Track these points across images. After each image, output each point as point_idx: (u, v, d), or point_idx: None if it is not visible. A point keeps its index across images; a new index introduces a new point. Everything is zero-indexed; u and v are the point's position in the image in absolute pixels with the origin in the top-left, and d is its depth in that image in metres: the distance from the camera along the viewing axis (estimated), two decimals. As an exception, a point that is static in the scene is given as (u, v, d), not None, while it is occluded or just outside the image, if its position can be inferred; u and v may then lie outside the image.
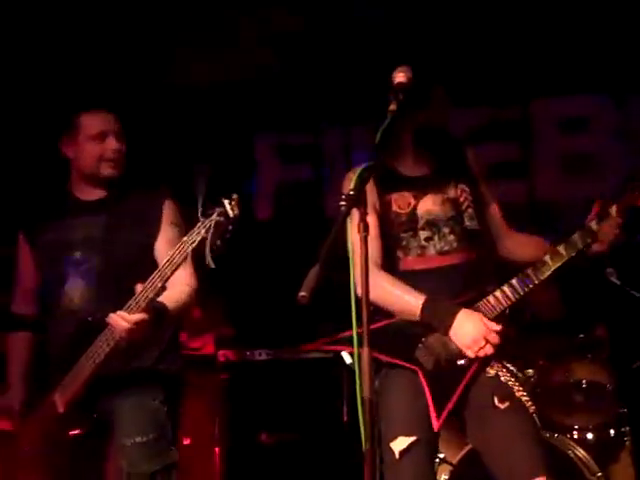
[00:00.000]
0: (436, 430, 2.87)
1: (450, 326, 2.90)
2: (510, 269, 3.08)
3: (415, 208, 3.06)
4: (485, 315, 2.93)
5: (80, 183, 3.37)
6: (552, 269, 2.93)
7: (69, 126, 3.35)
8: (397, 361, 2.95)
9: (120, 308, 2.97)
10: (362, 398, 2.31)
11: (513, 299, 2.95)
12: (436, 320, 2.92)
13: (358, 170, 2.48)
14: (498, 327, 2.90)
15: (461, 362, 2.92)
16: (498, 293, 2.96)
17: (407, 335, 2.96)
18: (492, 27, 5.27)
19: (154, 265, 3.04)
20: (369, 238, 2.88)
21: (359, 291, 2.86)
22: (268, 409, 5.08)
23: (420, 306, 2.93)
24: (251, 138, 5.96)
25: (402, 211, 3.05)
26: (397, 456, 2.86)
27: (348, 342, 2.98)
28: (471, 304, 2.96)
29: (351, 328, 2.87)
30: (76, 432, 3.12)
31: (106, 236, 3.26)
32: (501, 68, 5.31)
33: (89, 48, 5.52)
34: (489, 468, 2.92)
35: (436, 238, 3.03)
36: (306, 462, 4.96)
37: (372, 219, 2.97)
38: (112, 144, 3.30)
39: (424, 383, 2.90)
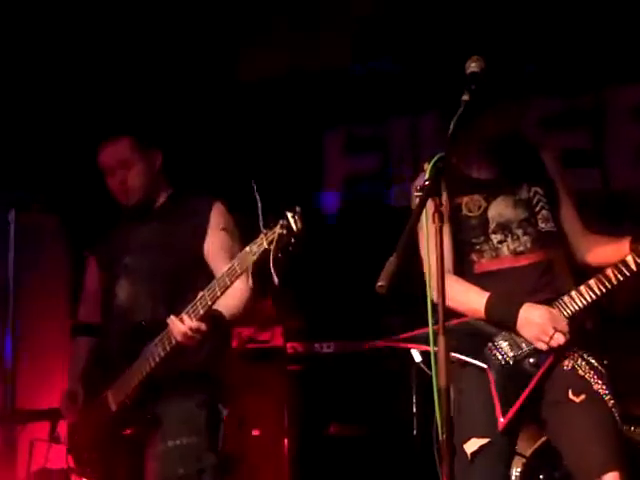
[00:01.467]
0: (501, 429, 2.83)
1: (516, 319, 2.87)
2: (589, 270, 3.03)
3: (486, 211, 3.02)
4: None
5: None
6: (634, 269, 2.86)
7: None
8: (467, 359, 2.93)
9: (171, 311, 3.01)
10: (438, 388, 2.29)
11: (589, 300, 2.89)
12: (501, 315, 2.90)
13: (432, 160, 2.44)
14: (556, 312, 2.87)
15: (532, 361, 2.88)
16: (574, 293, 2.91)
17: (478, 334, 2.95)
18: (565, 15, 5.15)
19: (204, 269, 3.11)
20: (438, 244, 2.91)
21: (433, 282, 2.87)
22: (336, 401, 5.07)
23: (484, 303, 2.91)
24: (320, 133, 5.93)
25: (472, 214, 3.03)
26: (469, 458, 2.84)
27: (420, 340, 3.05)
28: (546, 304, 2.91)
29: (420, 326, 2.91)
30: (128, 432, 3.19)
31: (155, 242, 3.32)
32: (574, 56, 5.19)
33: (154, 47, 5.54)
34: (564, 461, 2.90)
35: (509, 239, 3.00)
36: (374, 454, 4.93)
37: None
38: (117, 179, 3.37)
39: (492, 382, 2.87)
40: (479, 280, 2.99)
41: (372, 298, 5.29)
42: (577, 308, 2.89)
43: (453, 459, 2.30)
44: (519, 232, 3.00)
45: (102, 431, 3.24)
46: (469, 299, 2.96)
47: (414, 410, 4.84)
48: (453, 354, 2.88)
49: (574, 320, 2.88)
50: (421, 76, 5.38)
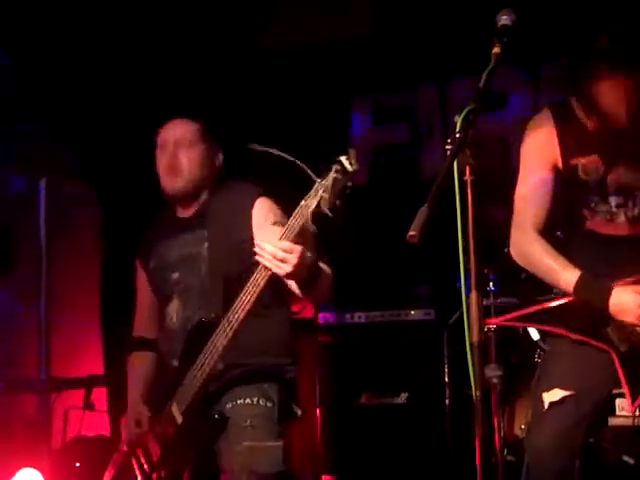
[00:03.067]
0: (631, 412, 2.78)
1: (608, 307, 2.76)
2: None
3: (605, 176, 2.86)
4: None
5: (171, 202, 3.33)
6: None
7: (154, 147, 3.32)
8: (588, 340, 2.81)
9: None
10: (471, 344, 2.25)
11: None
12: (592, 297, 2.79)
13: (463, 112, 2.36)
14: None
15: None
16: None
17: (595, 312, 2.80)
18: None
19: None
20: (534, 196, 2.90)
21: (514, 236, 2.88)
22: (368, 372, 5.06)
23: (574, 282, 2.79)
24: (347, 101, 5.90)
25: (589, 178, 2.87)
26: (546, 406, 2.80)
27: (532, 318, 2.96)
28: None
29: (531, 305, 2.89)
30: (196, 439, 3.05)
31: (201, 252, 3.18)
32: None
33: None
34: None
35: (630, 204, 2.87)
36: (406, 424, 4.93)
37: (545, 179, 2.90)
38: (168, 151, 3.23)
39: (617, 364, 2.76)
40: (587, 239, 2.90)
41: (402, 268, 5.34)
42: None
43: (486, 418, 2.29)
44: None
45: (169, 447, 3.09)
46: (556, 272, 2.84)
47: (446, 379, 4.85)
48: (573, 334, 2.84)
49: None
50: (450, 42, 5.36)
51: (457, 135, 2.30)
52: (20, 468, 3.53)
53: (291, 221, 2.73)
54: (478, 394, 2.24)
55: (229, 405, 3.03)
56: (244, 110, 5.66)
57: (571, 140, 2.88)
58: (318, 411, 5.04)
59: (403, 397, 4.98)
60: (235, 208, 3.17)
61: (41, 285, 3.72)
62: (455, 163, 2.29)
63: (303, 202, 2.70)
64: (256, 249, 2.75)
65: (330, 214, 2.63)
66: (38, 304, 3.75)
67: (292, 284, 2.92)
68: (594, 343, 2.80)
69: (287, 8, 5.79)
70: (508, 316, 2.98)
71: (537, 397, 2.83)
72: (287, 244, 2.69)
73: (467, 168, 2.29)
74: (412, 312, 5.12)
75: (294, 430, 4.62)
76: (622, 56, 2.73)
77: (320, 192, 2.64)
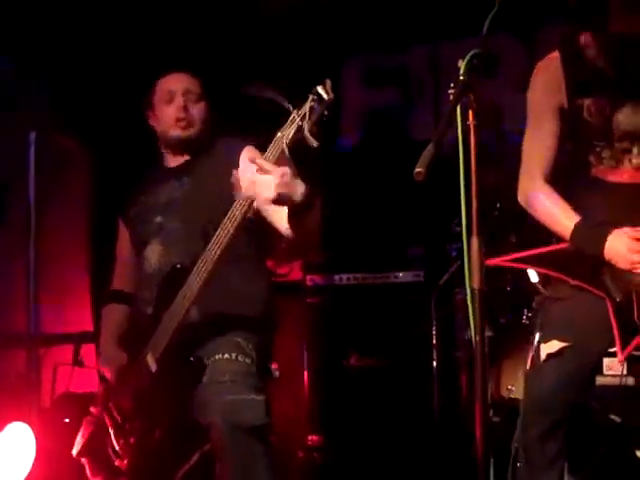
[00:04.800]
0: (620, 362, 2.76)
1: (602, 251, 2.75)
2: None
3: (611, 118, 2.83)
4: None
5: (165, 151, 3.35)
6: None
7: (151, 95, 3.35)
8: (585, 285, 2.81)
9: None
10: (471, 289, 2.25)
11: None
12: (589, 243, 2.79)
13: (467, 56, 2.34)
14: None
15: None
16: None
17: (593, 259, 2.79)
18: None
19: None
20: (542, 144, 2.89)
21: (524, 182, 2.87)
22: (356, 333, 5.09)
23: (571, 229, 2.81)
24: (339, 65, 5.87)
25: (595, 120, 2.84)
26: (543, 358, 2.80)
27: (534, 261, 2.96)
28: None
29: (534, 247, 2.87)
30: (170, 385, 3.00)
31: (187, 197, 3.19)
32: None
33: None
34: None
35: (635, 151, 2.84)
36: (394, 385, 4.96)
37: (552, 124, 2.89)
38: (178, 103, 3.25)
39: (611, 312, 2.75)
40: (592, 186, 2.88)
41: (393, 230, 5.34)
42: None
43: (486, 364, 2.28)
44: None
45: (143, 397, 3.06)
46: (556, 219, 2.85)
47: (433, 342, 4.87)
48: (571, 279, 2.83)
49: None
50: (442, 4, 5.33)
51: (461, 78, 2.29)
52: (9, 422, 3.53)
53: (267, 152, 2.67)
54: (478, 339, 2.24)
55: (207, 361, 3.00)
56: (235, 72, 5.63)
57: (578, 79, 2.85)
58: (306, 373, 5.06)
59: (391, 358, 5.01)
60: (223, 157, 3.16)
61: (30, 241, 3.70)
62: (458, 107, 2.27)
63: (279, 133, 2.66)
64: (234, 175, 2.66)
65: (311, 141, 2.56)
66: (27, 260, 3.72)
67: (279, 217, 2.83)
68: (591, 289, 2.80)
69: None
70: (508, 257, 2.97)
71: (537, 348, 2.84)
72: (267, 163, 2.59)
73: (470, 112, 2.28)
74: (401, 274, 5.13)
75: (281, 391, 4.68)
76: None
77: (297, 121, 2.60)
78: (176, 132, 3.27)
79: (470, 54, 2.32)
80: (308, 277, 5.24)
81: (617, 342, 2.73)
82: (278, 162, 2.62)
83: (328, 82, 2.59)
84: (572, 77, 2.86)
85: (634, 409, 3.05)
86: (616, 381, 2.89)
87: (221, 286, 3.00)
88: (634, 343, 2.72)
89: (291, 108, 2.61)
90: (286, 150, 2.62)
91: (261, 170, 2.56)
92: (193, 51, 5.34)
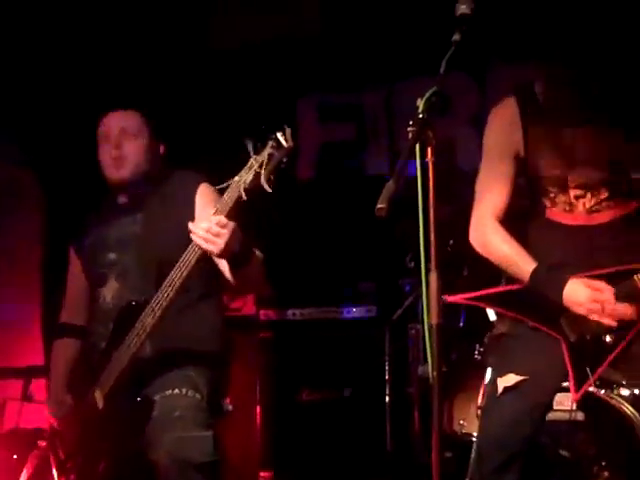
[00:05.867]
0: (574, 401, 2.79)
1: (562, 295, 2.77)
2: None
3: (566, 170, 2.85)
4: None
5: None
6: None
7: (96, 132, 3.34)
8: (541, 326, 2.84)
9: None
10: (429, 325, 2.26)
11: None
12: (548, 288, 2.80)
13: (426, 94, 2.36)
14: (599, 284, 2.74)
15: (609, 340, 2.77)
16: None
17: (551, 302, 2.81)
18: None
19: None
20: (495, 185, 2.92)
21: (473, 227, 2.91)
22: (309, 368, 5.07)
23: (531, 272, 2.81)
24: (294, 100, 5.92)
25: (550, 173, 2.86)
26: (500, 391, 2.81)
27: (492, 300, 2.98)
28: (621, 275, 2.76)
29: (486, 282, 2.92)
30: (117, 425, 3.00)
31: (140, 234, 3.18)
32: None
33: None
34: None
35: (588, 196, 2.85)
36: (346, 421, 4.94)
37: (506, 167, 2.91)
38: (110, 143, 3.23)
39: (566, 352, 2.78)
40: (546, 228, 2.91)
41: (346, 265, 5.36)
42: None
43: (443, 398, 2.32)
44: (602, 189, 2.83)
45: (89, 433, 3.04)
46: (512, 263, 2.86)
47: (386, 377, 4.88)
48: (527, 319, 2.86)
49: None
50: (397, 43, 5.40)
51: (420, 116, 2.30)
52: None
53: (225, 196, 2.73)
54: (435, 374, 2.24)
55: (157, 397, 2.99)
56: (191, 106, 5.66)
57: (534, 130, 2.88)
58: (258, 408, 5.03)
59: (344, 394, 5.01)
60: (177, 194, 3.18)
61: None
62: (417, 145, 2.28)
63: (237, 177, 2.72)
64: (190, 227, 2.74)
65: (266, 188, 2.64)
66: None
67: (224, 266, 2.92)
68: (547, 330, 2.83)
69: (235, 6, 5.79)
70: (467, 295, 2.99)
71: (493, 382, 2.85)
72: (220, 218, 2.69)
73: (429, 149, 2.29)
74: (354, 309, 5.15)
75: (233, 426, 4.65)
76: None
77: (255, 167, 2.66)
78: (109, 173, 3.26)
79: (429, 92, 2.35)
80: (261, 312, 5.22)
81: (571, 382, 2.76)
82: (231, 210, 2.70)
83: (288, 130, 2.67)
84: (528, 127, 2.89)
85: (584, 444, 3.08)
86: (566, 416, 2.93)
87: (175, 322, 3.01)
88: (585, 387, 2.76)
89: (251, 153, 2.66)
90: (243, 195, 2.69)
91: (211, 228, 2.67)
92: (144, 86, 5.36)
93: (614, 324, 2.73)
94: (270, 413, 5.05)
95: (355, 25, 5.64)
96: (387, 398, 4.87)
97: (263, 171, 2.64)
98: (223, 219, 2.69)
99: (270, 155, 2.65)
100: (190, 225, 2.75)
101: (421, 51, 4.99)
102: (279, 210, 2.65)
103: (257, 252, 2.93)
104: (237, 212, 2.76)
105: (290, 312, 5.21)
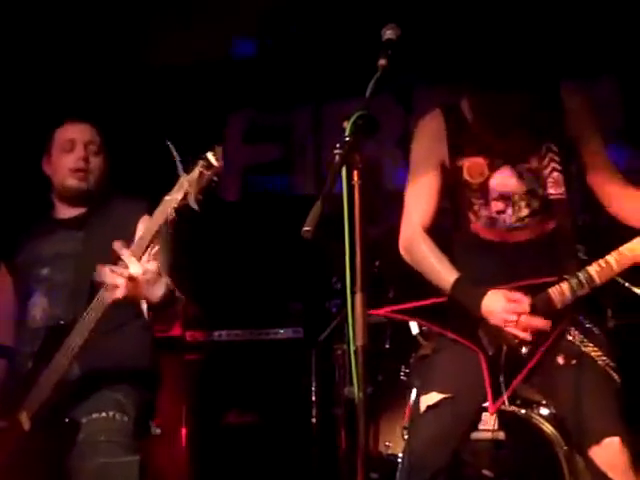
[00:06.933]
0: (491, 414, 2.84)
1: (480, 307, 2.83)
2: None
3: (488, 179, 2.93)
4: (554, 302, 2.79)
5: (58, 201, 3.30)
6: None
7: (49, 143, 3.31)
8: (460, 339, 2.89)
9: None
10: (355, 346, 2.26)
11: (586, 291, 2.79)
12: (467, 300, 2.86)
13: (352, 117, 2.38)
14: (517, 296, 2.80)
15: (524, 351, 2.82)
16: (565, 285, 2.79)
17: (471, 314, 2.87)
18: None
19: None
20: (422, 195, 2.99)
21: (401, 236, 2.95)
22: (236, 390, 5.06)
23: (450, 283, 2.87)
24: (222, 119, 5.92)
25: (474, 180, 2.94)
26: (422, 409, 2.83)
27: (416, 313, 3.03)
28: (537, 289, 2.83)
29: (414, 300, 2.95)
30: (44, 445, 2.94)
31: (80, 251, 3.16)
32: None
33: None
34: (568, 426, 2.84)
35: (509, 211, 2.92)
36: (273, 442, 4.94)
37: (433, 177, 2.98)
38: (79, 153, 3.23)
39: (484, 366, 2.83)
40: (470, 241, 2.96)
41: (272, 286, 5.36)
42: (570, 298, 2.79)
43: (368, 419, 2.31)
44: (522, 204, 2.90)
45: (14, 455, 2.95)
46: (436, 272, 2.92)
47: (313, 398, 4.88)
48: (448, 332, 2.91)
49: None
50: (326, 65, 5.45)
51: (347, 139, 2.32)
52: None
53: (155, 215, 2.72)
54: (361, 396, 2.24)
55: (84, 420, 2.95)
56: (123, 121, 5.61)
57: (458, 140, 2.96)
58: (184, 430, 4.99)
59: (270, 415, 5.00)
60: (119, 220, 3.17)
61: None
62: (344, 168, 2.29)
63: (167, 197, 2.70)
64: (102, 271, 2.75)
65: (195, 207, 2.64)
66: None
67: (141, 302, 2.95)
68: (466, 343, 2.88)
69: (169, 24, 5.79)
70: (390, 308, 3.05)
71: (417, 401, 2.88)
72: (134, 268, 2.70)
73: (355, 172, 2.31)
74: (281, 330, 5.15)
75: (159, 449, 4.58)
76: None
77: (185, 186, 2.65)
78: (73, 182, 3.24)
79: (355, 115, 2.37)
80: (188, 333, 5.19)
81: (489, 396, 2.80)
82: (156, 234, 2.71)
83: (219, 149, 2.67)
84: (453, 139, 2.97)
85: (505, 462, 3.12)
86: (488, 435, 2.97)
87: (104, 342, 2.97)
88: (501, 400, 2.80)
89: (181, 171, 2.65)
90: (173, 213, 2.68)
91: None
92: (76, 98, 5.30)
93: (528, 337, 2.79)
94: (196, 435, 5.00)
95: (287, 47, 5.69)
96: (313, 419, 4.86)
97: (192, 190, 2.63)
98: (137, 268, 2.70)
99: (200, 174, 2.64)
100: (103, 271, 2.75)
101: (350, 73, 5.04)
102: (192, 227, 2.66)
103: (177, 294, 2.93)
104: (164, 233, 2.76)
105: (217, 333, 5.19)
